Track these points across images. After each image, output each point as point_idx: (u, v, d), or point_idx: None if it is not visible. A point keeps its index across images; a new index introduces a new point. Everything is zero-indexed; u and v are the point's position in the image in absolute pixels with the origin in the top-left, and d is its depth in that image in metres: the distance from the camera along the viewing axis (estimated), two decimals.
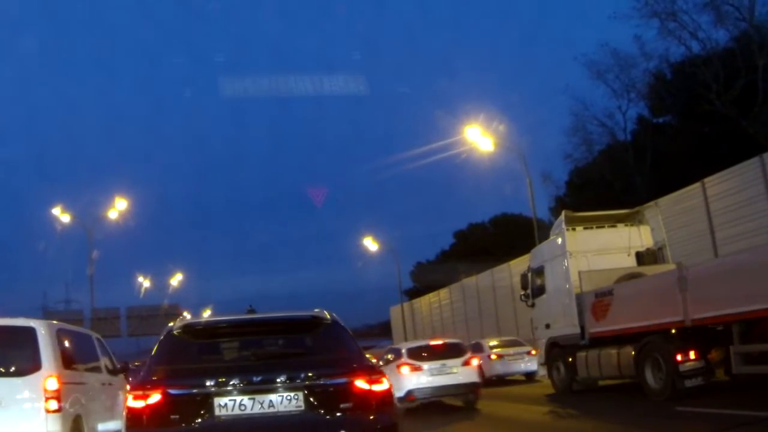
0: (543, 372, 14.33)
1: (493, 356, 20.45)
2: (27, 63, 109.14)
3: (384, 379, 4.71)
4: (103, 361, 8.91)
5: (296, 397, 4.46)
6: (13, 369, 7.00)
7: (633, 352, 11.03)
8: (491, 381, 19.44)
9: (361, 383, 4.58)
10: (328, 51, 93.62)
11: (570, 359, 13.02)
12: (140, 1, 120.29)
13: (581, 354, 12.56)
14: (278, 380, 4.48)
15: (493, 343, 21.44)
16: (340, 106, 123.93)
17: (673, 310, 10.10)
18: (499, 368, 20.26)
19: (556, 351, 13.67)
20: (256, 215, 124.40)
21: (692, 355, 10.10)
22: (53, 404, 6.80)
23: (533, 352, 19.54)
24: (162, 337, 5.05)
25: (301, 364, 4.75)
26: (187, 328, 4.98)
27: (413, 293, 54.14)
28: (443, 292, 38.26)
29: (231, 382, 4.43)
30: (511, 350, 20.86)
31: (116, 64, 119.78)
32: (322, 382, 4.53)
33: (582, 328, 12.54)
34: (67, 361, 7.44)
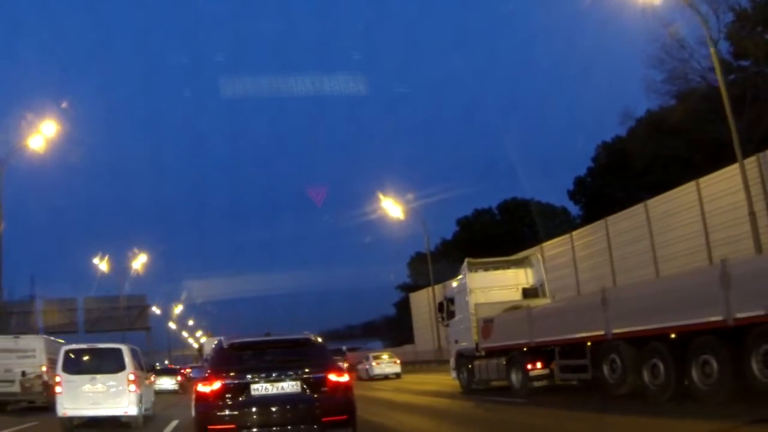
0: (454, 375, 19.25)
1: (374, 363, 34.02)
2: (26, 63, 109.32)
3: (346, 375, 7.83)
4: (142, 364, 14.41)
5: (296, 384, 7.47)
6: (112, 369, 12.52)
7: (504, 362, 16.06)
8: (374, 378, 32.72)
9: (333, 377, 7.61)
10: (328, 51, 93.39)
11: (470, 366, 17.95)
12: (140, 1, 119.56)
13: (477, 362, 17.49)
14: (286, 375, 7.46)
15: (374, 354, 36.45)
16: (340, 106, 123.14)
17: (525, 334, 15.09)
18: (377, 371, 33.56)
19: (462, 360, 18.64)
20: (248, 214, 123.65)
21: (538, 365, 15.04)
22: (132, 387, 12.41)
23: (397, 360, 34.97)
24: (216, 350, 8.32)
25: (298, 365, 7.65)
26: (232, 344, 8.13)
27: (410, 288, 51.36)
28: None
29: (260, 376, 7.43)
30: (384, 359, 34.79)
31: (116, 64, 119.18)
32: (310, 376, 7.53)
33: (476, 344, 17.55)
34: (137, 365, 13.08)
